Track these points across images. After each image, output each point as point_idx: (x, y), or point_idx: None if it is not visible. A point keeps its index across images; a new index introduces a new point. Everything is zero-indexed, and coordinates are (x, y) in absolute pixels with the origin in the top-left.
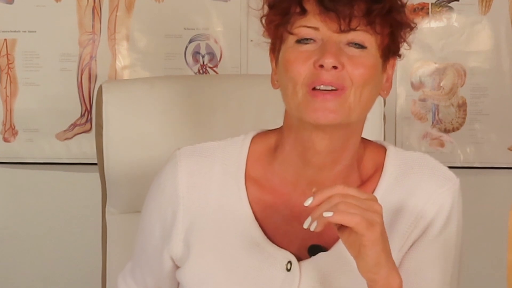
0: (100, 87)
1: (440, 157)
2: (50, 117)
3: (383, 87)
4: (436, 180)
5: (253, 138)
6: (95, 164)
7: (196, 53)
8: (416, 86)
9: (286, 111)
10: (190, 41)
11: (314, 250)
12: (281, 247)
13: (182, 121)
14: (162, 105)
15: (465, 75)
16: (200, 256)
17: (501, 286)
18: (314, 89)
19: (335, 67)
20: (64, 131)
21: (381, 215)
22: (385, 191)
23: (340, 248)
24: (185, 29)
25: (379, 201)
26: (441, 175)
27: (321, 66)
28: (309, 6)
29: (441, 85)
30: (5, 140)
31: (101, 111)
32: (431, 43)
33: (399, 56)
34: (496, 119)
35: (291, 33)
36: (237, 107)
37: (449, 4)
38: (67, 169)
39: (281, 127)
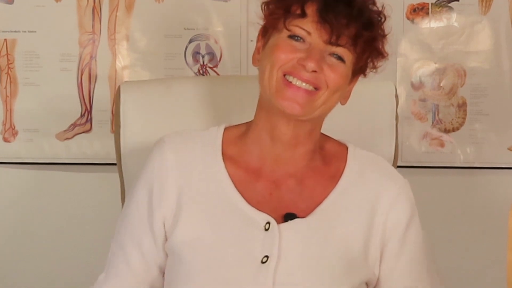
0: (119, 88)
1: (440, 157)
2: (50, 117)
3: (345, 96)
4: (390, 178)
5: (226, 128)
6: (95, 164)
7: (196, 53)
8: (416, 86)
9: (260, 91)
10: (190, 41)
11: (290, 218)
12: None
13: (199, 121)
14: (178, 105)
15: (465, 75)
16: (189, 216)
17: (501, 286)
18: (288, 81)
19: (314, 71)
20: (64, 131)
21: None
22: (349, 182)
23: (315, 218)
24: (185, 29)
25: (343, 189)
26: (394, 175)
27: (303, 65)
28: (310, 11)
29: (441, 85)
30: (5, 140)
31: (119, 111)
32: (431, 43)
33: (365, 75)
34: (496, 119)
35: (287, 29)
36: (254, 108)
37: (449, 4)
38: (67, 169)
39: (251, 120)
